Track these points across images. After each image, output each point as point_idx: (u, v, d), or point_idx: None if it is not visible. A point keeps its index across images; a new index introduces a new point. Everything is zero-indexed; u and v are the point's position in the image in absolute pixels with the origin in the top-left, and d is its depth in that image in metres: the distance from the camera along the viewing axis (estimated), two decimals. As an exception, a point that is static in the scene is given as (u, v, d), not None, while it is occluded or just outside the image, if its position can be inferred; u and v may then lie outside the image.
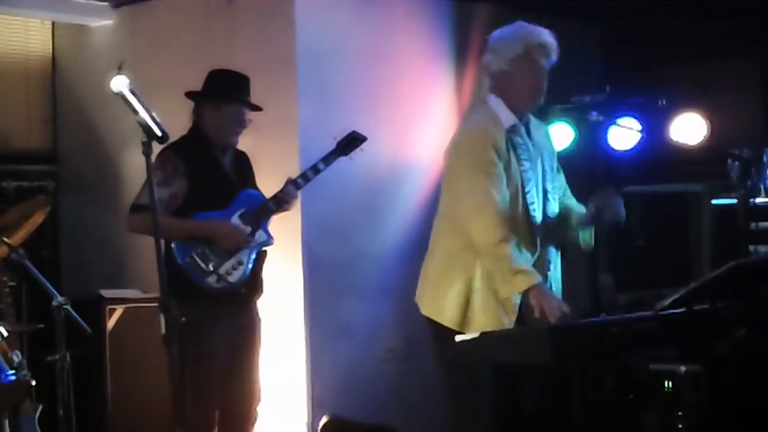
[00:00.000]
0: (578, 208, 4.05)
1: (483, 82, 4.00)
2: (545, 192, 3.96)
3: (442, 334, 3.86)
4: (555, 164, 4.08)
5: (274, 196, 4.57)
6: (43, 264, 5.55)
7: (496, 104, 3.92)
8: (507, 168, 3.82)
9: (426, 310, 3.98)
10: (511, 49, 3.87)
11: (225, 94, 4.53)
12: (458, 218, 3.85)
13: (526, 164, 3.87)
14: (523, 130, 3.93)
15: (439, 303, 3.91)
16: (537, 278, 3.69)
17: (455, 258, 3.89)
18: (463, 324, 3.83)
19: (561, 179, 4.14)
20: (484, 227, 3.74)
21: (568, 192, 4.17)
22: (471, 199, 3.79)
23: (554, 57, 3.92)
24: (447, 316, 3.88)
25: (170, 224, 4.33)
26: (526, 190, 3.86)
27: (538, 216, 3.88)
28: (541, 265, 3.90)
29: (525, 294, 3.73)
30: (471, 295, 3.84)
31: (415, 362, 5.66)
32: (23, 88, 6.50)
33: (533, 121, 4.04)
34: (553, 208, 3.99)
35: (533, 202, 3.87)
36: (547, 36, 3.90)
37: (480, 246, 3.76)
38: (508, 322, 3.79)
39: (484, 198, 3.76)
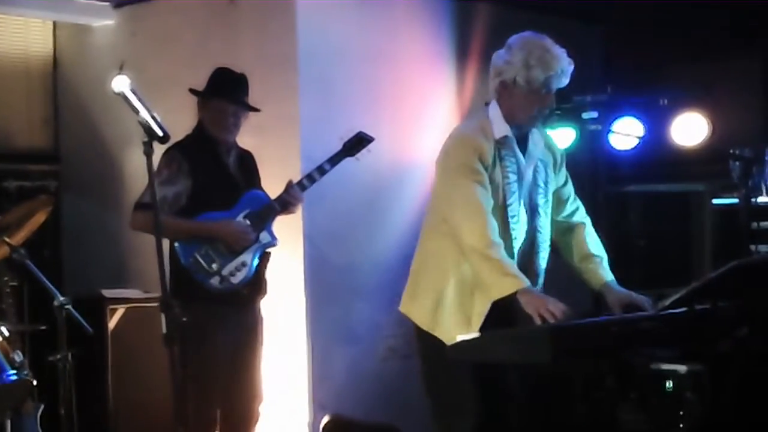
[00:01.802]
0: (593, 247, 4.03)
1: (491, 82, 3.95)
2: (535, 206, 3.93)
3: (420, 331, 3.92)
4: (553, 178, 4.03)
5: (279, 197, 4.56)
6: (45, 264, 5.53)
7: (494, 113, 3.89)
8: (491, 179, 3.81)
9: (402, 306, 4.02)
10: (524, 66, 3.80)
11: (214, 91, 4.54)
12: (448, 222, 3.84)
13: (512, 177, 3.84)
14: (514, 142, 3.88)
15: (414, 302, 3.95)
16: (525, 282, 3.66)
17: (433, 259, 3.92)
18: (433, 325, 3.86)
19: (566, 191, 4.11)
20: (475, 231, 3.72)
21: (582, 211, 4.12)
22: (461, 205, 3.77)
23: (565, 81, 3.87)
24: (418, 316, 3.92)
25: (174, 224, 4.33)
26: (507, 203, 3.83)
27: (518, 229, 3.86)
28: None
29: (508, 303, 3.74)
30: (443, 298, 3.86)
31: (416, 362, 5.65)
32: (24, 87, 6.51)
33: (535, 133, 3.99)
34: (543, 223, 3.96)
35: (514, 216, 3.84)
36: (563, 61, 3.83)
37: (470, 249, 3.73)
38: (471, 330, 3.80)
39: (473, 204, 3.74)
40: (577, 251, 4.05)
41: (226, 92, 4.52)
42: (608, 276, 3.98)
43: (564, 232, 4.09)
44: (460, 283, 3.84)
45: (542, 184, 3.95)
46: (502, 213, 3.82)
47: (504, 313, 3.72)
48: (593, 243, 4.05)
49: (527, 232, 3.92)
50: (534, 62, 3.80)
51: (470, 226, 3.73)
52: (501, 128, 3.87)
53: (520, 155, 3.91)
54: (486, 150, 3.81)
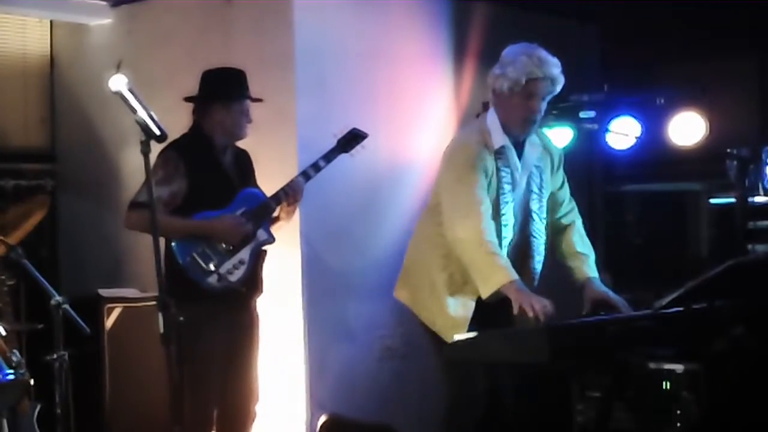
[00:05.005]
0: (579, 245, 4.13)
1: (489, 92, 4.08)
2: (529, 212, 4.04)
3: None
4: (548, 181, 4.13)
5: (275, 194, 4.56)
6: (42, 263, 5.54)
7: (492, 121, 4.01)
8: (489, 186, 3.93)
9: (396, 293, 4.23)
10: (514, 74, 3.92)
11: (231, 92, 4.51)
12: (444, 215, 3.92)
13: (506, 187, 3.97)
14: (512, 152, 4.01)
15: (411, 291, 4.16)
16: (514, 275, 3.75)
17: (426, 249, 4.10)
18: (421, 310, 4.09)
19: (562, 194, 4.20)
20: (473, 226, 3.82)
21: (574, 211, 4.21)
22: (462, 201, 3.88)
23: (558, 88, 3.98)
24: (415, 304, 4.10)
25: (170, 223, 4.33)
26: (501, 212, 3.95)
27: (508, 238, 3.98)
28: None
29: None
30: (435, 289, 4.02)
31: (413, 361, 5.66)
32: (21, 86, 6.50)
33: (532, 138, 4.10)
34: (538, 228, 4.07)
35: (506, 225, 3.97)
36: (553, 69, 3.93)
37: (465, 242, 3.83)
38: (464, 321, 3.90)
39: (473, 203, 3.86)
40: (566, 249, 4.16)
41: (245, 92, 4.51)
42: (591, 273, 4.06)
43: (556, 231, 4.17)
44: (449, 277, 3.97)
45: (536, 190, 4.05)
46: (495, 220, 3.92)
47: (491, 314, 3.79)
48: (581, 241, 4.16)
49: (520, 239, 4.02)
50: (515, 68, 3.92)
51: (468, 222, 3.82)
52: (498, 138, 3.98)
53: (516, 163, 4.01)
54: (486, 158, 3.94)
